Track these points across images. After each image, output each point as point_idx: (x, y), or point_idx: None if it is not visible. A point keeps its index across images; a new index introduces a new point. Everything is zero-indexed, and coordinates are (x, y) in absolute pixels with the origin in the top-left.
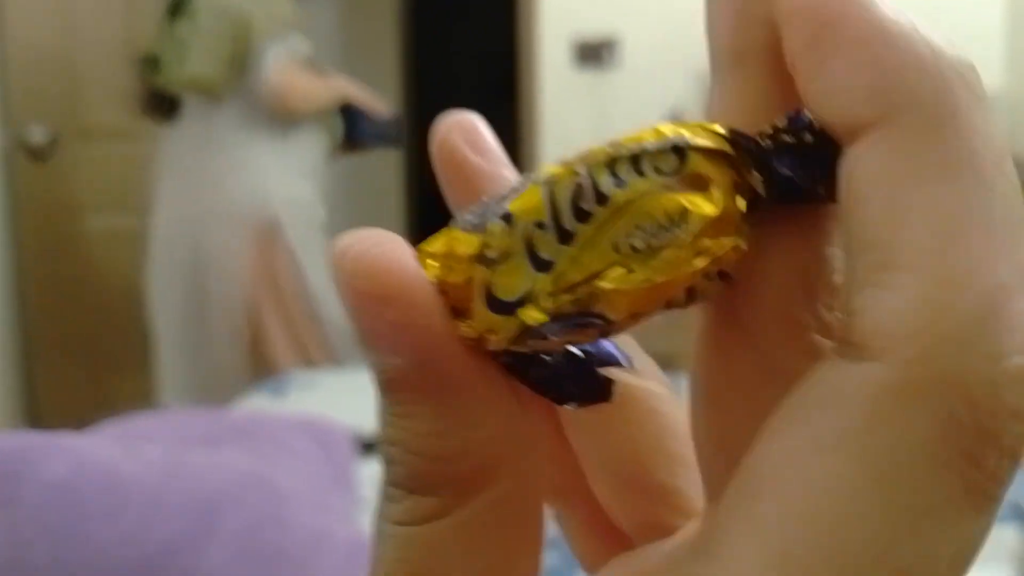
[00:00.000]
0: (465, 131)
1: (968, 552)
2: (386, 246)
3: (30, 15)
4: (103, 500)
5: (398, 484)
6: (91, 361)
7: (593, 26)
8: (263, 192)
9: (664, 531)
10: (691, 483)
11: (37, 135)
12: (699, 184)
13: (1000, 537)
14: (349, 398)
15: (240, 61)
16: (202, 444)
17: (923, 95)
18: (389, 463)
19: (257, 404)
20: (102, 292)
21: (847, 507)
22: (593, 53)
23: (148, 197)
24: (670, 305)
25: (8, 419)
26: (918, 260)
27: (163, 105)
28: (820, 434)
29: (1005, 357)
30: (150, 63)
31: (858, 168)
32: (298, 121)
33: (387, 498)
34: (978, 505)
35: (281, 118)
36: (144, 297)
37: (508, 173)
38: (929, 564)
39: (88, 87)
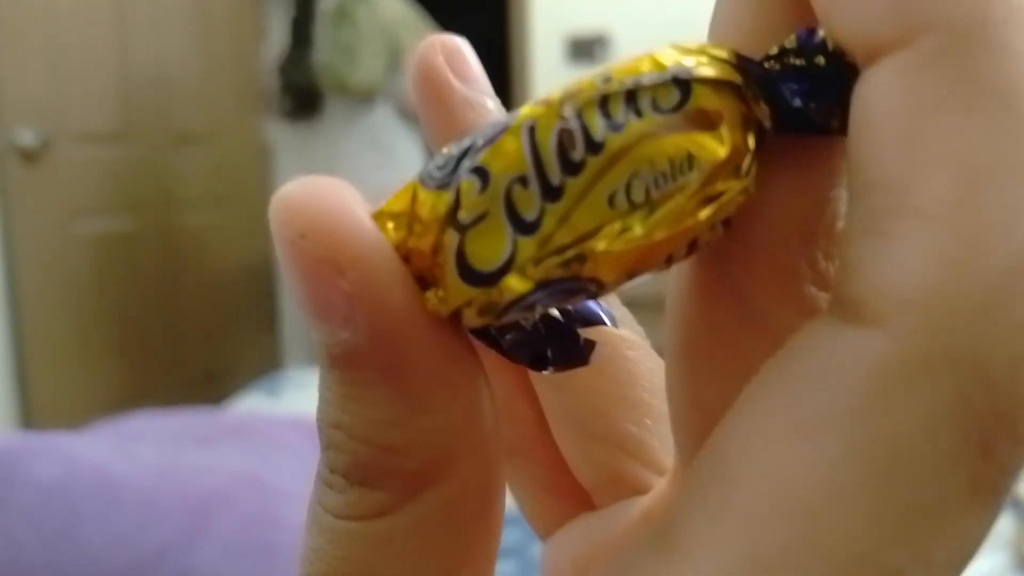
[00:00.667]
0: (448, 53)
1: (968, 553)
2: (337, 200)
3: (19, 18)
4: (95, 501)
5: (339, 472)
6: (86, 363)
7: (585, 22)
8: None
9: (629, 487)
10: (659, 436)
11: (27, 138)
12: (705, 121)
13: (995, 526)
14: None
15: (390, 67)
16: (197, 444)
17: (954, 10)
18: (329, 447)
19: (252, 403)
20: (96, 294)
21: (832, 500)
22: (585, 49)
23: (141, 199)
24: (670, 260)
25: (2, 421)
26: (935, 207)
27: (307, 104)
28: (805, 412)
29: None
30: (296, 65)
31: (870, 93)
32: None
33: (326, 484)
34: (984, 501)
35: (416, 119)
36: (141, 297)
37: (491, 104)
38: (923, 568)
39: (78, 90)
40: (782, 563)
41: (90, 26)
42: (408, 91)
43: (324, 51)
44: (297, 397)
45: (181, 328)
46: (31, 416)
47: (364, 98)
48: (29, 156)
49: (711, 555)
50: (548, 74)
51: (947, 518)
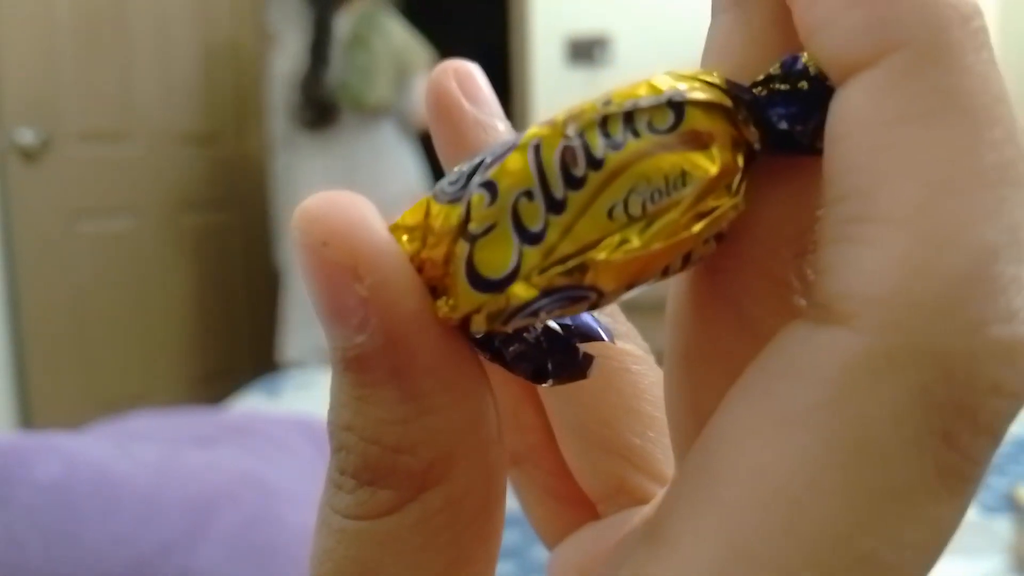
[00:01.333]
0: (460, 77)
1: (939, 538)
2: (357, 211)
3: (19, 18)
4: (96, 500)
5: (349, 473)
6: (86, 362)
7: (585, 24)
8: (413, 193)
9: (632, 496)
10: (662, 447)
11: (28, 137)
12: (698, 141)
13: (993, 528)
14: None
15: (397, 87)
16: (197, 443)
17: (916, 32)
18: (340, 448)
19: (252, 403)
20: (96, 294)
21: (806, 488)
22: (585, 51)
23: (142, 198)
24: (666, 272)
25: (2, 421)
26: (897, 213)
27: (325, 117)
28: (780, 406)
29: (986, 326)
30: (314, 82)
31: (842, 108)
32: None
33: (336, 486)
34: (952, 488)
35: (417, 133)
36: (142, 296)
37: (501, 125)
38: (895, 551)
39: (78, 89)
40: (762, 549)
41: (90, 25)
42: (412, 109)
43: (343, 72)
44: (297, 397)
45: (182, 328)
46: (31, 415)
47: (376, 114)
48: (29, 155)
49: (696, 545)
50: (548, 75)
51: (915, 503)
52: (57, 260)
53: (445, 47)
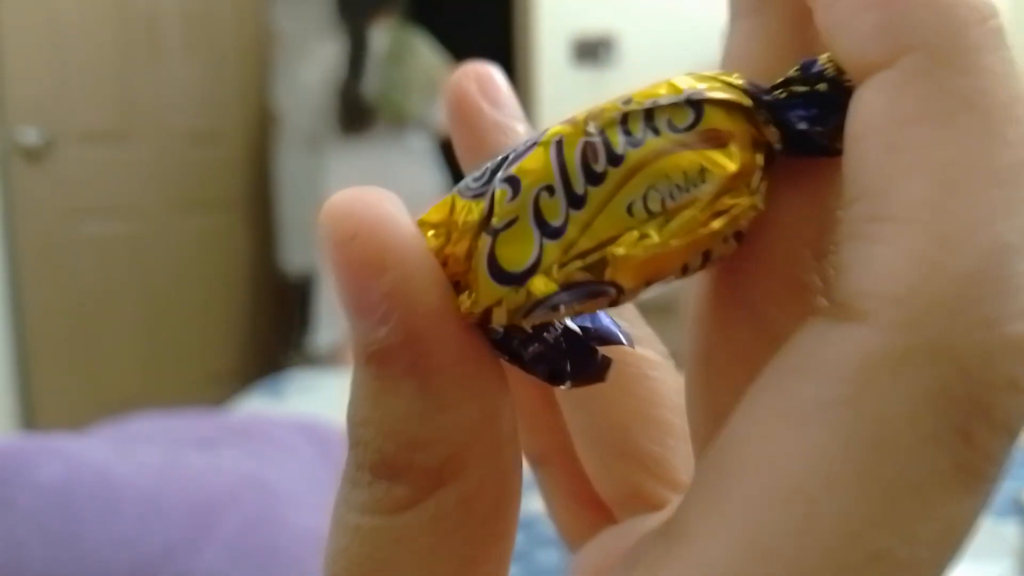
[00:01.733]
0: (480, 79)
1: (956, 536)
2: (384, 208)
3: (23, 18)
4: (98, 503)
5: (366, 467)
6: (88, 364)
7: (591, 24)
8: (438, 194)
9: (647, 503)
10: (679, 454)
11: (31, 137)
12: (716, 140)
13: (1000, 532)
14: (347, 399)
15: (426, 100)
16: (199, 445)
17: (931, 32)
18: (357, 444)
19: (255, 405)
20: (98, 294)
21: (822, 484)
22: (591, 51)
23: (144, 199)
24: (685, 270)
25: (4, 423)
26: (912, 212)
27: (362, 122)
28: (796, 403)
29: (1002, 323)
30: (351, 91)
31: (859, 108)
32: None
33: (352, 482)
34: (968, 485)
35: (440, 142)
36: (144, 297)
37: (521, 127)
38: (910, 549)
39: (81, 89)
40: (778, 545)
41: (94, 25)
42: (438, 120)
43: (383, 85)
44: (300, 399)
45: (184, 329)
46: (33, 417)
47: (408, 123)
48: (32, 155)
49: (711, 541)
50: (553, 76)
51: (932, 500)
52: (60, 261)
53: (450, 47)
